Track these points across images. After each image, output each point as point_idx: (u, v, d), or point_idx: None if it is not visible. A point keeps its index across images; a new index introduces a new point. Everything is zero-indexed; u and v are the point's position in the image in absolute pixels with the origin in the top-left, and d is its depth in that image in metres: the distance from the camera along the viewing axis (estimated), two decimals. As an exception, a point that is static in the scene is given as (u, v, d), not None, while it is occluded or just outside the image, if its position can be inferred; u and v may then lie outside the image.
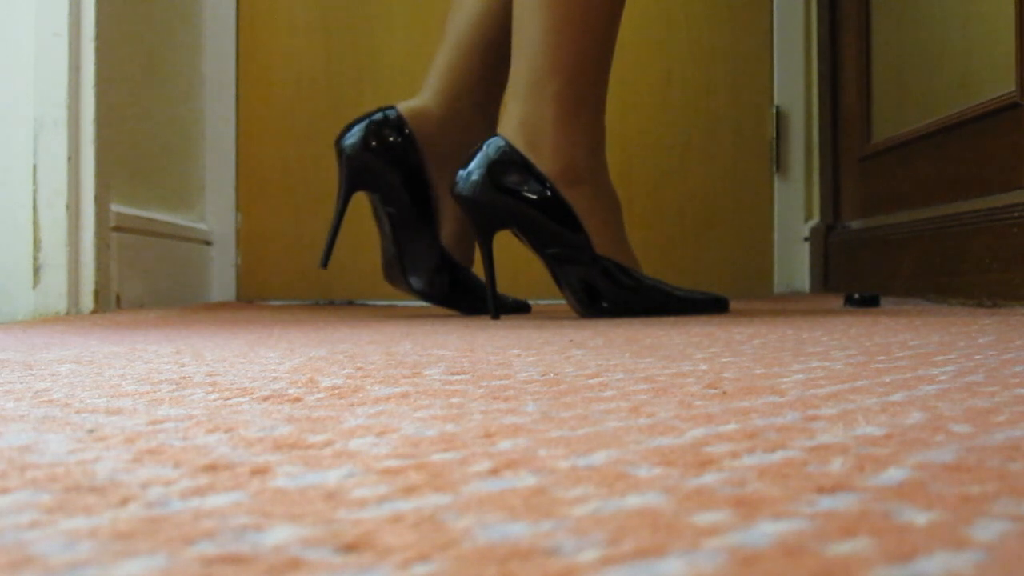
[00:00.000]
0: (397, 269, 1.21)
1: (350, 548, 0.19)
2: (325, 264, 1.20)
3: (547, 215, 1.06)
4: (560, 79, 1.07)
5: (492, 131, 1.18)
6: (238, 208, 1.89)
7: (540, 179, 1.06)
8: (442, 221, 1.21)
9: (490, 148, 1.07)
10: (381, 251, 1.24)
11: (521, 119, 1.07)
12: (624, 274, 1.09)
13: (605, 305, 1.09)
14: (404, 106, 1.20)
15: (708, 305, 1.15)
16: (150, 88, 1.58)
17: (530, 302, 1.33)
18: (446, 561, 0.18)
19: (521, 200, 1.06)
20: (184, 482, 0.24)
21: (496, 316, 1.09)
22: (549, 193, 1.06)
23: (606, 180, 1.10)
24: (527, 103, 1.07)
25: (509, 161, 1.06)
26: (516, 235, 1.09)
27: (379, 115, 1.19)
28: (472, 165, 1.06)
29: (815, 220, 1.90)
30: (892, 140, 1.59)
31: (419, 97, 1.20)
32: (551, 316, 1.17)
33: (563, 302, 1.32)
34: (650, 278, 1.12)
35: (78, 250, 1.26)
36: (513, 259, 1.75)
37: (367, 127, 1.19)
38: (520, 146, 1.06)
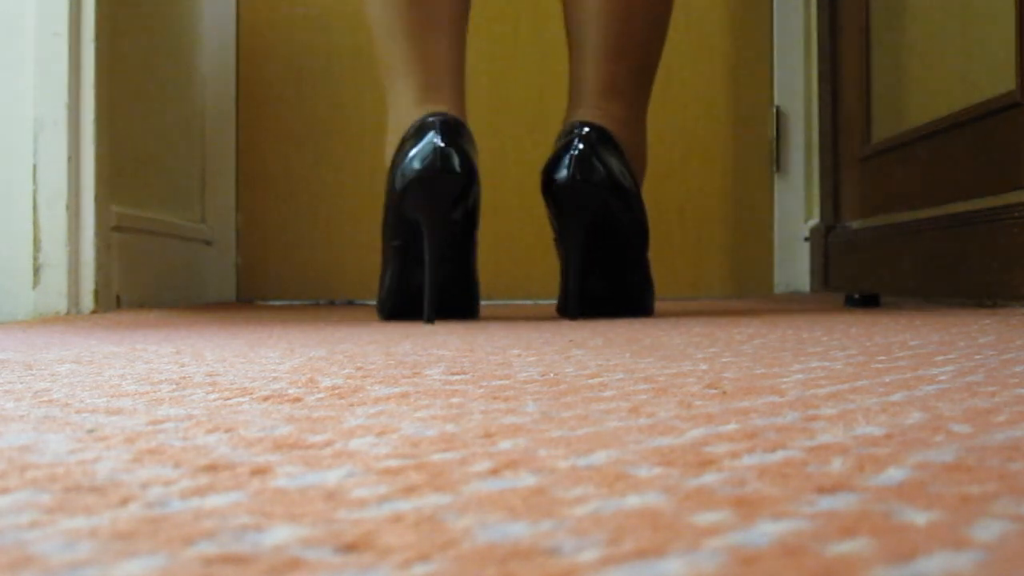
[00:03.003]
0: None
1: (350, 548, 0.19)
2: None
3: (635, 214, 1.07)
4: (646, 80, 1.11)
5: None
6: (238, 208, 1.89)
7: (633, 176, 1.06)
8: None
9: (606, 146, 1.04)
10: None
11: (615, 116, 1.07)
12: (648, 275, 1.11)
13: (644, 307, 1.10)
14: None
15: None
16: (150, 88, 1.58)
17: (529, 302, 1.32)
18: (446, 561, 0.18)
19: (622, 196, 1.04)
20: (184, 482, 0.24)
21: (575, 315, 1.04)
22: (636, 191, 1.07)
23: None
24: (627, 101, 1.08)
25: (620, 158, 1.05)
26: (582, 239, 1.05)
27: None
28: (584, 158, 1.02)
29: (815, 220, 1.90)
30: (892, 140, 1.59)
31: (452, 104, 1.07)
32: (551, 316, 1.17)
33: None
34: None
35: (78, 250, 1.26)
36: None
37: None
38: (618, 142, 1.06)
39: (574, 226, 1.03)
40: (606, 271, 1.08)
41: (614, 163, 1.03)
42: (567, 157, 1.02)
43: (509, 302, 1.75)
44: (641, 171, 1.11)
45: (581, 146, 1.02)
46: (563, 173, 1.02)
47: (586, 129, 1.04)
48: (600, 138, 1.03)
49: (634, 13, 1.09)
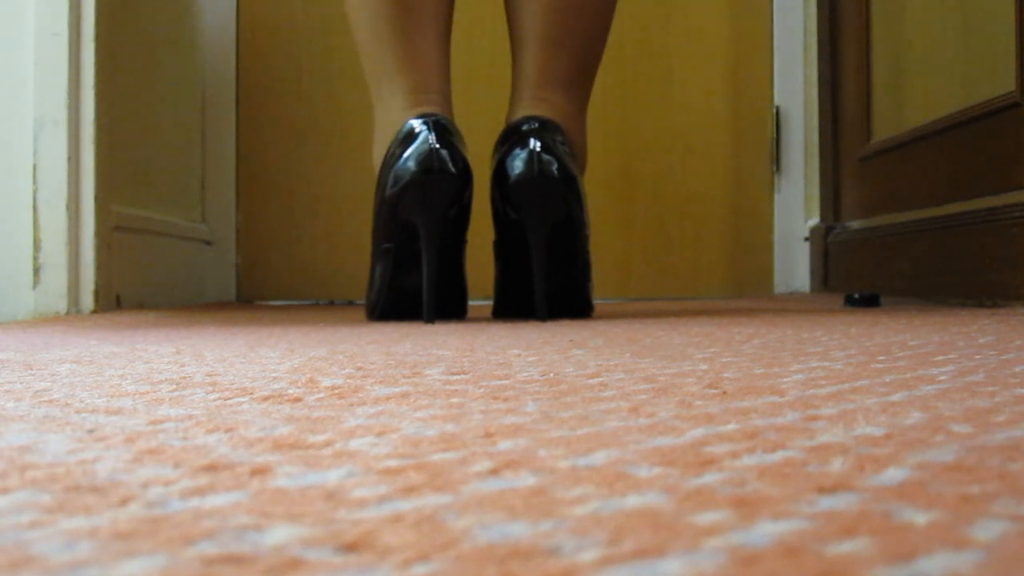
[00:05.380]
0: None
1: (350, 548, 0.19)
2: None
3: (584, 209, 1.05)
4: (589, 72, 1.10)
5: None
6: (238, 208, 1.89)
7: (578, 169, 1.05)
8: None
9: (556, 139, 1.02)
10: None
11: (558, 107, 1.06)
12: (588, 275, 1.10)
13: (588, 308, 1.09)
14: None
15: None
16: (150, 88, 1.58)
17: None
18: (446, 561, 0.18)
19: (576, 189, 1.02)
20: (184, 482, 0.24)
21: (545, 317, 1.01)
22: (582, 185, 1.05)
23: None
24: (569, 93, 1.07)
25: (569, 151, 1.03)
26: (537, 236, 1.03)
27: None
28: (542, 152, 1.00)
29: (815, 220, 1.90)
30: (892, 140, 1.59)
31: (442, 105, 1.07)
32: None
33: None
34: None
35: (78, 250, 1.26)
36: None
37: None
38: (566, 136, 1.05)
39: (538, 224, 1.01)
40: (560, 268, 1.06)
41: (566, 156, 1.02)
42: (525, 152, 1.00)
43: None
44: (582, 168, 1.09)
45: (537, 141, 1.00)
46: (523, 169, 1.00)
47: (536, 124, 1.02)
48: (551, 131, 1.02)
49: (576, 1, 1.08)
